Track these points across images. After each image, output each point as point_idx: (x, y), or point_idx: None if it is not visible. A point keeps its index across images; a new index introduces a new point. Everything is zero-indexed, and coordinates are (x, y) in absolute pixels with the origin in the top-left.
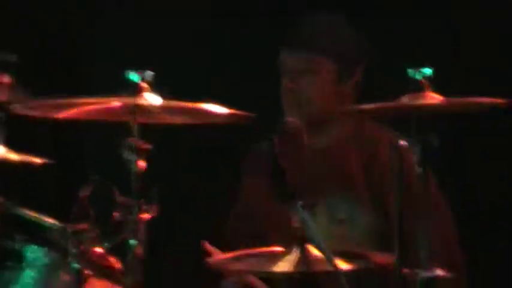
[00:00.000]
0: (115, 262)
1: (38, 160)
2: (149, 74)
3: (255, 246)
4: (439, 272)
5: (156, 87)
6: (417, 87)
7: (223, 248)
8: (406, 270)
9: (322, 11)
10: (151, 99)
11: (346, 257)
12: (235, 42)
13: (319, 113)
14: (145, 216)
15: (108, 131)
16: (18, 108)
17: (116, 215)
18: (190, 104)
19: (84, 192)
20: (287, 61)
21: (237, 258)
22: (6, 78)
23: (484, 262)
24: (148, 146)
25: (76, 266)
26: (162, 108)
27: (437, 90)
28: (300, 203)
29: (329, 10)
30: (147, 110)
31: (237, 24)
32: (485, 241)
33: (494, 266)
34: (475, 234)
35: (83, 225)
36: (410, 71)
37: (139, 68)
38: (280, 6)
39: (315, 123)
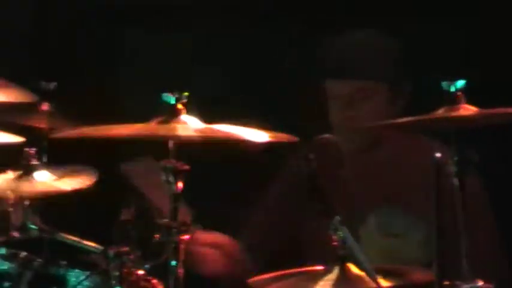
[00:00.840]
0: (157, 284)
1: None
2: (184, 95)
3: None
4: (481, 284)
5: (192, 108)
6: (452, 100)
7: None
8: (446, 283)
9: (358, 30)
10: (187, 123)
11: (386, 274)
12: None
13: (372, 135)
14: (185, 237)
15: (148, 153)
16: (58, 135)
17: (157, 236)
18: (228, 131)
19: (125, 215)
20: (337, 89)
21: (277, 278)
22: (45, 106)
23: None
24: (186, 167)
25: None
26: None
27: (473, 102)
28: (338, 219)
29: (364, 28)
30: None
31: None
32: None
33: None
34: None
35: (124, 248)
36: (444, 84)
37: (174, 89)
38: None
39: (367, 145)
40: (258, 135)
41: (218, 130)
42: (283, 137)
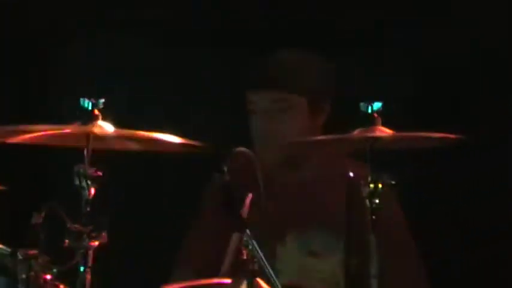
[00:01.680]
0: None
1: None
2: (101, 101)
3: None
4: None
5: (110, 115)
6: (369, 121)
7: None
8: None
9: (284, 49)
10: (104, 126)
11: None
12: (195, 71)
13: (292, 149)
14: (95, 243)
15: (62, 158)
16: None
17: (67, 241)
18: (142, 133)
19: (36, 218)
20: (257, 101)
21: None
22: None
23: None
24: (99, 173)
25: None
26: (115, 135)
27: (389, 125)
28: (249, 234)
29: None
30: (100, 137)
31: (193, 53)
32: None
33: None
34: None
35: (34, 251)
36: (362, 105)
37: (93, 96)
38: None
39: (289, 159)
40: (171, 139)
41: (133, 134)
42: (195, 143)
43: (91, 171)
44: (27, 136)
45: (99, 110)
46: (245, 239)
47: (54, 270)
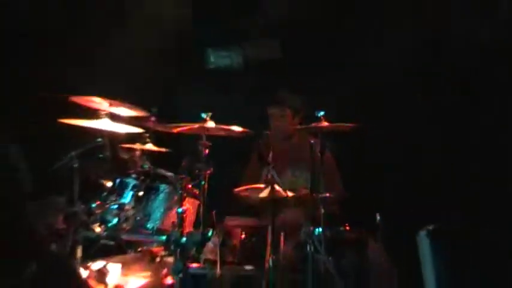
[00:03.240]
0: (196, 191)
1: (165, 150)
2: (209, 113)
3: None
4: (328, 194)
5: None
6: (319, 120)
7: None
8: (314, 194)
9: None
10: (210, 124)
11: (290, 191)
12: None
13: (286, 132)
14: (208, 171)
15: (193, 138)
16: (162, 128)
17: (196, 171)
18: (224, 126)
19: (185, 161)
20: (273, 111)
21: (249, 190)
22: (153, 119)
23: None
24: (209, 144)
25: (180, 192)
26: (213, 128)
27: (329, 120)
28: (271, 166)
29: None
30: (207, 129)
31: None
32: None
33: None
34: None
35: (183, 175)
36: (316, 112)
37: (206, 110)
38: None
39: (285, 136)
40: (237, 129)
41: (222, 127)
42: (247, 130)
43: (205, 143)
44: (180, 128)
45: (208, 117)
46: (269, 170)
47: (192, 183)
